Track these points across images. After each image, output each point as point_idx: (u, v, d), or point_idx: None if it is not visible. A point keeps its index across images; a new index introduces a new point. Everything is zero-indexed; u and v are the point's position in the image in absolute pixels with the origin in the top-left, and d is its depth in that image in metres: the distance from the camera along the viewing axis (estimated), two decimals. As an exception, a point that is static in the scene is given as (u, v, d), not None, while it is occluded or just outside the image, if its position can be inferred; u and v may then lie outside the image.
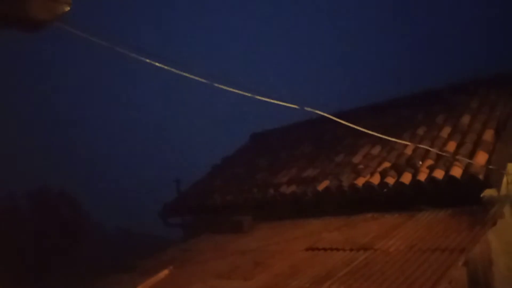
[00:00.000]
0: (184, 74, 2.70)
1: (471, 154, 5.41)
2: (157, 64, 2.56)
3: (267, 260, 4.94)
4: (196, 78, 2.77)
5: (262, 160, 9.03)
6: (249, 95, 3.12)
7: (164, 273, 5.33)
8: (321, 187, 6.48)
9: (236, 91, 3.03)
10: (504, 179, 5.34)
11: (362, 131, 5.56)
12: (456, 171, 5.20)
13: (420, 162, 5.77)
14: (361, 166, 6.48)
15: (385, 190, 5.77)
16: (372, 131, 6.09)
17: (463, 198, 5.12)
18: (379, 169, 6.14)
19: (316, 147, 8.38)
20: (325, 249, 4.78)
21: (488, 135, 5.68)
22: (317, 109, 4.50)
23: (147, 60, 2.56)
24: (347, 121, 5.47)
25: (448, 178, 5.21)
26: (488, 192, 5.07)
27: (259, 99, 3.26)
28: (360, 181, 6.05)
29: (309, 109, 3.71)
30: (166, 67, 2.59)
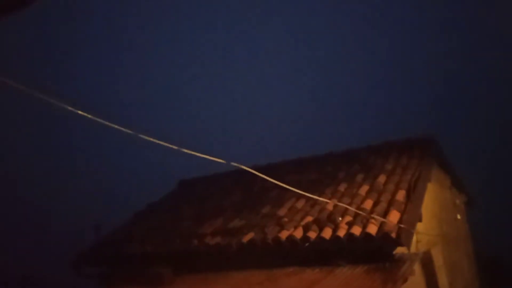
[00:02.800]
0: (113, 125, 2.66)
1: (385, 213, 5.78)
2: (86, 115, 2.50)
3: (185, 316, 4.73)
4: (123, 129, 2.74)
5: (188, 209, 8.87)
6: (176, 147, 3.13)
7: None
8: (246, 239, 6.47)
9: (163, 143, 3.03)
10: (414, 238, 5.74)
11: (287, 184, 5.75)
12: (372, 229, 5.50)
13: (340, 218, 6.03)
14: (285, 219, 6.61)
15: (307, 244, 5.90)
16: (297, 185, 6.33)
17: (377, 254, 5.41)
18: (302, 223, 6.31)
19: (243, 198, 8.44)
20: (245, 305, 4.71)
21: (400, 195, 6.13)
22: (243, 163, 4.60)
23: (80, 112, 2.49)
24: (274, 174, 5.66)
25: (364, 234, 5.49)
26: (399, 250, 5.42)
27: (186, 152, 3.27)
28: (284, 234, 6.15)
29: (235, 164, 3.79)
30: (94, 118, 2.54)
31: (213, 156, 3.72)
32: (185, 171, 11.54)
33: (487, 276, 11.30)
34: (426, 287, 6.40)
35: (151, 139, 2.93)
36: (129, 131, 2.77)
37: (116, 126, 2.70)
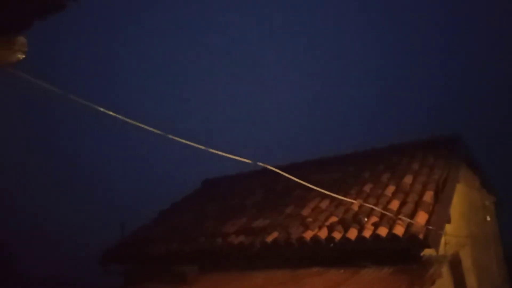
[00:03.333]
0: (138, 124, 2.70)
1: (413, 214, 5.66)
2: (111, 113, 2.55)
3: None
4: (150, 128, 2.77)
5: (212, 208, 8.92)
6: (203, 147, 3.15)
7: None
8: (269, 238, 6.46)
9: (191, 143, 3.05)
10: (442, 240, 5.61)
11: (311, 184, 5.71)
12: (399, 230, 5.40)
13: (366, 219, 5.94)
14: (309, 219, 6.57)
15: (331, 244, 5.85)
16: (321, 185, 6.28)
17: (404, 256, 5.31)
18: (327, 223, 6.25)
19: (267, 197, 8.43)
20: (270, 305, 4.70)
21: (428, 196, 6.00)
22: (269, 162, 4.59)
23: (101, 109, 2.54)
24: (297, 174, 5.63)
25: (391, 236, 5.39)
26: (427, 252, 5.31)
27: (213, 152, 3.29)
28: (308, 235, 6.11)
29: (261, 164, 3.78)
30: (120, 117, 2.58)
31: (238, 156, 3.73)
32: (208, 170, 11.63)
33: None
34: (454, 290, 6.26)
35: (179, 139, 2.96)
36: (157, 131, 2.81)
37: (144, 126, 2.74)
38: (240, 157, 3.68)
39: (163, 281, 6.76)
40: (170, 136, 2.95)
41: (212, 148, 3.20)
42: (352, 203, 6.43)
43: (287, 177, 5.31)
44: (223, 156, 3.54)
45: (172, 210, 9.88)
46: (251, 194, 8.89)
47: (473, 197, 8.70)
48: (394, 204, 6.08)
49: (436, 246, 5.23)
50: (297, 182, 5.51)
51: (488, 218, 9.22)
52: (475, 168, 8.92)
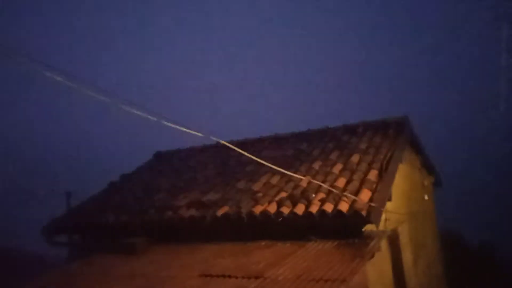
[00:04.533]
0: (88, 92, 2.61)
1: (357, 191, 5.95)
2: (66, 81, 2.44)
3: (157, 286, 4.81)
4: (100, 97, 2.69)
5: (164, 181, 8.86)
6: (155, 119, 3.12)
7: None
8: (220, 212, 6.56)
9: (143, 114, 3.00)
10: (383, 216, 5.96)
11: (263, 160, 5.84)
12: (343, 206, 5.67)
13: (313, 195, 6.17)
14: (260, 194, 6.72)
15: (280, 219, 6.04)
16: (273, 161, 6.42)
17: (347, 231, 5.60)
18: (277, 198, 6.43)
19: (219, 172, 8.49)
20: (218, 276, 4.82)
21: (372, 175, 6.31)
22: (223, 137, 4.63)
23: (48, 74, 2.42)
24: (251, 150, 5.73)
25: (336, 212, 5.66)
26: (368, 227, 5.62)
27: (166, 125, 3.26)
28: (258, 209, 6.26)
29: (214, 138, 3.81)
30: (68, 82, 2.47)
31: (191, 129, 3.72)
32: (159, 143, 11.46)
33: (449, 253, 11.90)
34: (391, 263, 6.69)
35: (131, 109, 2.91)
36: (108, 100, 2.73)
37: (94, 94, 2.66)
38: (194, 130, 3.67)
39: (112, 252, 6.70)
40: (122, 106, 2.89)
41: (165, 120, 3.17)
42: (301, 179, 6.63)
43: (240, 153, 5.39)
44: (176, 128, 3.52)
45: (122, 181, 9.70)
46: (204, 169, 8.90)
47: (414, 177, 9.24)
48: (341, 182, 6.34)
49: (377, 222, 5.55)
50: (249, 157, 5.61)
51: (426, 197, 9.85)
52: (418, 150, 9.44)
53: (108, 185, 9.62)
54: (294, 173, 6.71)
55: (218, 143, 4.78)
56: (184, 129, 3.39)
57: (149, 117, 3.07)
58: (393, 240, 6.87)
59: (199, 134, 3.62)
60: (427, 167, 10.26)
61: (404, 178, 8.12)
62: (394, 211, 6.78)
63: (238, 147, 5.40)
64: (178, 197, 7.62)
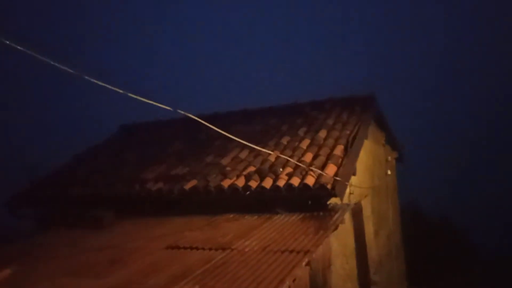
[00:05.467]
0: (52, 62, 2.51)
1: (323, 166, 6.10)
2: (27, 51, 2.33)
3: (125, 257, 4.83)
4: (64, 68, 2.60)
5: (130, 154, 8.76)
6: (121, 91, 3.06)
7: (6, 272, 4.81)
8: (188, 186, 6.58)
9: (108, 86, 2.94)
10: (347, 190, 6.16)
11: (232, 135, 5.86)
12: (310, 180, 5.82)
13: (281, 169, 6.29)
14: (228, 168, 6.78)
15: (248, 192, 6.14)
16: (242, 136, 6.45)
17: (313, 204, 5.77)
18: (245, 172, 6.51)
19: (188, 146, 8.46)
20: (185, 248, 4.89)
21: (338, 150, 6.48)
22: (189, 111, 4.60)
23: (20, 48, 2.32)
24: (220, 124, 5.72)
25: (303, 185, 5.80)
26: (333, 201, 5.81)
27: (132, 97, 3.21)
28: (226, 183, 6.33)
29: (181, 111, 3.78)
30: (29, 52, 2.38)
31: (159, 103, 3.68)
32: (126, 115, 11.24)
33: (409, 225, 12.49)
34: (354, 234, 6.98)
35: (95, 81, 2.83)
36: (71, 71, 2.64)
37: (57, 65, 2.56)
38: (161, 103, 3.63)
39: (78, 225, 6.64)
40: (87, 78, 2.81)
41: (132, 93, 3.12)
42: (270, 154, 6.72)
43: (209, 127, 5.39)
44: (142, 101, 3.47)
45: (88, 154, 9.51)
46: (172, 142, 8.84)
47: (378, 152, 9.53)
48: (308, 157, 6.47)
49: (341, 195, 5.74)
50: (219, 132, 5.61)
51: (389, 172, 10.20)
52: (383, 126, 9.71)
53: (72, 158, 9.41)
54: (263, 148, 6.79)
55: (186, 117, 4.76)
56: (150, 102, 3.34)
57: (115, 89, 3.01)
58: (357, 213, 7.14)
59: (167, 108, 3.59)
60: (391, 143, 10.59)
61: (368, 154, 8.37)
62: (358, 185, 7.02)
63: (207, 122, 5.39)
64: (146, 170, 7.57)
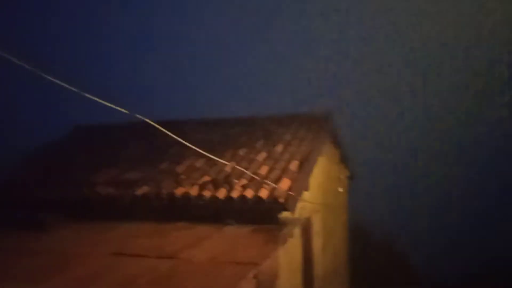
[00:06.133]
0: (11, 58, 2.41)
1: (278, 180, 6.19)
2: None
3: (67, 263, 4.64)
4: (23, 64, 2.50)
5: (83, 156, 8.46)
6: (76, 90, 2.97)
7: None
8: (139, 192, 6.44)
9: (62, 84, 2.85)
10: (299, 205, 6.28)
11: (189, 143, 5.82)
12: (264, 193, 5.87)
13: (236, 181, 6.31)
14: (183, 176, 6.71)
15: (201, 202, 6.09)
16: (200, 144, 6.42)
17: (265, 217, 5.82)
18: (199, 181, 6.47)
19: (143, 151, 8.30)
20: (131, 255, 4.76)
21: (294, 165, 6.60)
22: (147, 116, 4.53)
23: None
24: (177, 131, 5.66)
25: (256, 198, 5.84)
26: (285, 214, 5.89)
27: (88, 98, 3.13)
28: (180, 191, 6.26)
29: (139, 116, 3.73)
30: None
31: (115, 105, 3.60)
32: (80, 116, 10.85)
33: (355, 244, 12.85)
34: (302, 249, 7.08)
35: (50, 78, 2.73)
36: (25, 65, 2.53)
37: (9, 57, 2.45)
38: (118, 106, 3.56)
39: (19, 228, 6.30)
40: (41, 74, 2.70)
41: (87, 93, 3.04)
42: (226, 164, 6.73)
43: (166, 133, 5.32)
44: (98, 103, 3.39)
45: (37, 155, 9.09)
46: (127, 147, 8.64)
47: (331, 170, 9.79)
48: (264, 170, 6.55)
49: (293, 210, 5.84)
50: (176, 139, 5.55)
51: (341, 190, 10.49)
52: (337, 145, 10.00)
53: (23, 158, 8.97)
54: (219, 158, 6.78)
55: (143, 122, 4.68)
56: (107, 104, 3.27)
57: (69, 87, 2.93)
58: (306, 228, 7.27)
59: (124, 111, 3.52)
60: (344, 161, 10.91)
61: (322, 171, 8.58)
62: (309, 201, 7.16)
63: (164, 128, 5.32)
64: (97, 173, 7.34)
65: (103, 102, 3.25)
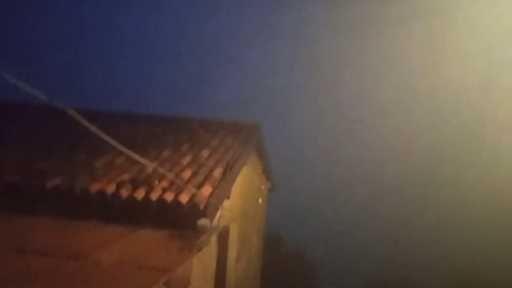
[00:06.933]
0: None
1: (200, 185, 6.13)
2: None
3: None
4: None
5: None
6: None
7: None
8: (50, 184, 6.00)
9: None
10: (219, 213, 6.27)
11: (110, 137, 5.53)
12: (183, 198, 5.77)
13: (157, 182, 6.13)
14: (100, 172, 6.37)
15: (117, 201, 5.82)
16: (122, 140, 6.13)
17: (183, 222, 5.71)
18: (117, 179, 6.18)
19: (58, 139, 7.74)
20: (33, 252, 4.40)
21: (217, 172, 6.58)
22: (70, 103, 4.24)
23: None
24: (100, 124, 5.34)
25: (175, 202, 5.72)
26: (202, 221, 5.84)
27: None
28: (95, 187, 5.93)
29: (58, 104, 3.47)
30: None
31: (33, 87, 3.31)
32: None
33: (269, 254, 13.15)
34: (217, 257, 7.07)
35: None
36: None
37: None
38: (36, 89, 3.27)
39: None
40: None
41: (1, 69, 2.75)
42: (148, 164, 6.51)
43: (85, 123, 5.01)
44: (14, 84, 3.09)
45: None
46: (41, 132, 8.02)
47: (254, 180, 9.93)
48: (186, 174, 6.45)
49: (212, 217, 5.81)
50: (95, 130, 5.25)
51: (260, 201, 10.68)
52: (262, 156, 10.18)
53: None
54: (142, 156, 6.54)
55: (65, 108, 4.36)
56: (23, 87, 3.00)
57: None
58: (223, 236, 7.28)
59: (41, 96, 3.25)
60: (267, 173, 11.14)
61: (245, 180, 8.67)
62: (229, 209, 7.19)
63: (87, 118, 5.01)
64: (2, 157, 6.70)
65: (16, 81, 2.97)
